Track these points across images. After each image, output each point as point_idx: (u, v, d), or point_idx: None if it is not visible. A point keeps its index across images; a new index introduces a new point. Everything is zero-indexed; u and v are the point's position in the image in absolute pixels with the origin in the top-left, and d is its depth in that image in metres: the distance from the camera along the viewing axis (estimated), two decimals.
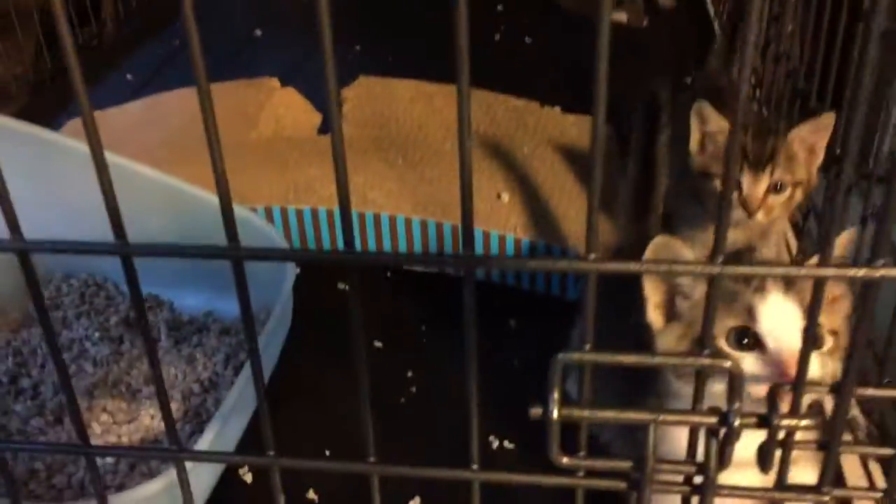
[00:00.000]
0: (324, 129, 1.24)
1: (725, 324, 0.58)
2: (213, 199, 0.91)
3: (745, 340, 0.58)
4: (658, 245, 0.57)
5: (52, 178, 0.90)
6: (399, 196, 1.04)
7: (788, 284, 0.58)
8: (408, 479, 0.79)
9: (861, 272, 0.41)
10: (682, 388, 0.62)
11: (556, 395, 0.45)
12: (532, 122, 1.24)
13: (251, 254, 0.47)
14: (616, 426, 0.74)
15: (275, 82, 1.32)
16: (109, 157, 0.97)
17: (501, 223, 1.02)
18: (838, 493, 0.47)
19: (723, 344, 0.59)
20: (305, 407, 0.89)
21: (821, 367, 0.59)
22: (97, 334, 0.90)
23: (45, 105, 1.46)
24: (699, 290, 0.60)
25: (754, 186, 0.82)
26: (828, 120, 0.81)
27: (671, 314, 0.62)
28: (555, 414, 0.45)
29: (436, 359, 0.94)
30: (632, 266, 0.43)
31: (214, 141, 0.43)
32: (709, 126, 0.84)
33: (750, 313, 0.58)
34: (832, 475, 0.47)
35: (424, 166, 1.08)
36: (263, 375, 0.76)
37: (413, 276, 1.05)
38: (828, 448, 0.45)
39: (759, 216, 0.83)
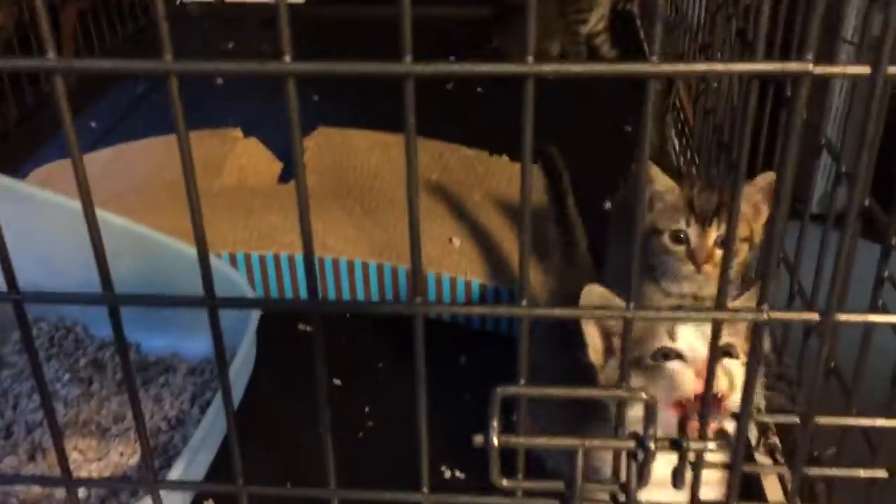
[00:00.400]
0: (285, 177, 1.30)
1: (652, 345, 0.66)
2: (182, 246, 0.97)
3: (668, 356, 0.66)
4: (587, 293, 0.64)
5: (23, 228, 0.95)
6: (357, 242, 1.10)
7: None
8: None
9: (749, 316, 0.48)
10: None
11: (495, 424, 0.51)
12: (482, 171, 1.32)
13: (227, 303, 0.53)
14: (561, 454, 0.81)
15: (238, 132, 1.38)
16: (77, 205, 1.05)
17: (453, 267, 1.09)
18: None
19: (649, 361, 0.67)
20: (268, 442, 0.93)
21: (738, 376, 0.68)
22: (67, 376, 0.94)
23: (10, 152, 1.50)
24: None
25: (702, 240, 0.84)
26: (768, 179, 0.84)
27: (610, 352, 0.69)
28: (494, 441, 0.51)
29: (392, 394, 1.00)
30: (557, 311, 0.49)
31: (194, 192, 0.49)
32: (656, 185, 0.86)
33: (670, 335, 0.66)
34: (737, 491, 0.54)
35: (380, 213, 1.15)
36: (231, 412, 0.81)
37: (370, 316, 1.11)
38: (731, 468, 0.52)
39: (708, 269, 0.84)
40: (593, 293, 0.65)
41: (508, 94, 0.46)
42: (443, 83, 1.71)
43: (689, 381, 0.65)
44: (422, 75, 0.41)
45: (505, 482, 0.54)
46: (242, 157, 1.29)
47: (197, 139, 1.32)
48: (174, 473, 0.73)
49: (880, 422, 0.53)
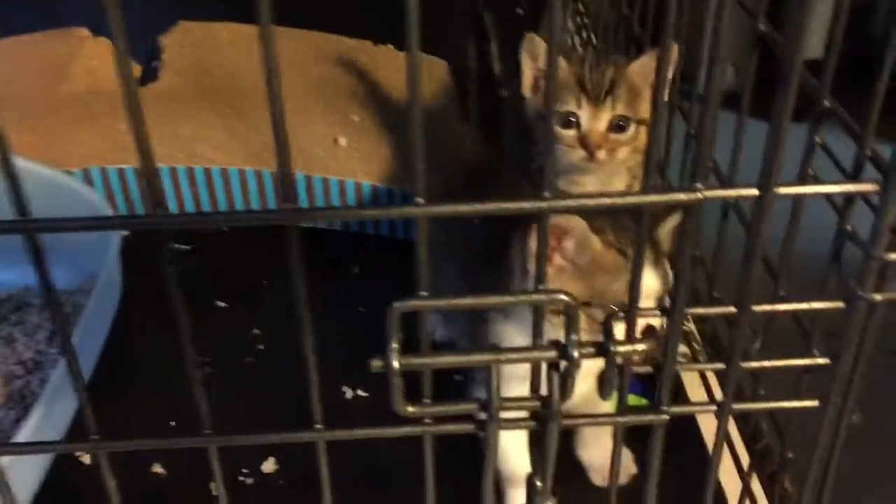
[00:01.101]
0: (144, 81, 1.15)
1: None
2: (32, 167, 0.84)
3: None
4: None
5: None
6: (229, 148, 0.98)
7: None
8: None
9: (682, 196, 0.41)
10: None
11: (394, 345, 0.44)
12: (366, 62, 1.21)
13: (47, 226, 0.42)
14: (461, 324, 0.74)
15: (84, 31, 1.21)
16: None
17: (340, 169, 0.99)
18: (676, 410, 0.48)
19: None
20: (143, 379, 0.84)
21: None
22: None
23: None
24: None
25: (594, 121, 0.73)
26: (673, 54, 0.72)
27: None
28: (395, 364, 0.43)
29: (281, 313, 0.91)
30: (461, 208, 0.41)
31: None
32: (542, 62, 0.75)
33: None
34: (669, 394, 0.48)
35: (253, 114, 1.03)
36: (95, 350, 0.71)
37: (250, 230, 1.00)
38: (662, 368, 0.46)
39: (601, 156, 0.74)
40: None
41: None
42: None
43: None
44: None
45: (410, 409, 0.47)
46: (92, 59, 1.14)
47: (38, 41, 1.16)
48: (28, 428, 0.63)
49: (817, 305, 0.48)
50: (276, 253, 0.45)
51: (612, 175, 0.79)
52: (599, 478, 0.73)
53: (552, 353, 0.44)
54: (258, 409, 0.79)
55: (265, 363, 0.87)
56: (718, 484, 0.68)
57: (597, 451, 0.73)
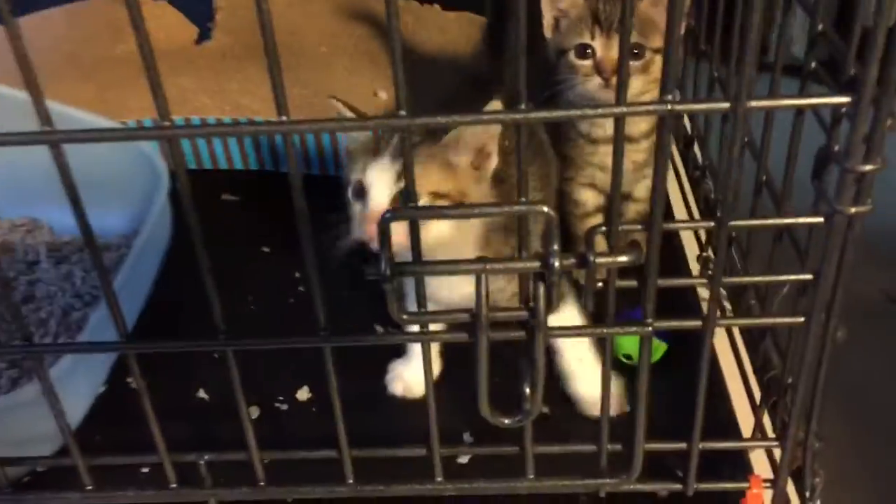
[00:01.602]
0: (199, 41, 1.21)
1: None
2: (84, 116, 0.89)
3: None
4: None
5: None
6: (273, 100, 1.03)
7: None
8: (297, 370, 0.81)
9: (652, 108, 0.43)
10: None
11: (388, 254, 0.47)
12: (412, 21, 1.24)
13: (67, 138, 0.47)
14: None
15: None
16: None
17: None
18: (659, 325, 0.51)
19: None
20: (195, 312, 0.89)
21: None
22: None
23: None
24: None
25: (607, 50, 0.76)
26: None
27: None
28: (388, 272, 0.47)
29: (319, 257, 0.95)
30: (441, 119, 0.44)
31: None
32: (561, 3, 0.80)
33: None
34: (653, 307, 0.50)
35: (300, 70, 1.07)
36: (145, 285, 0.75)
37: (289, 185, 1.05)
38: (645, 281, 0.49)
39: (615, 81, 0.73)
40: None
41: None
42: None
43: None
44: None
45: (405, 316, 0.50)
46: (150, 21, 1.19)
47: (99, 5, 1.22)
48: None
49: (791, 220, 0.49)
50: (316, 202, 0.50)
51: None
52: (590, 408, 0.73)
53: (536, 265, 0.47)
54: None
55: (304, 303, 0.91)
56: (732, 414, 0.69)
57: (584, 382, 0.73)
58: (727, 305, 0.75)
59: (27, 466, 0.69)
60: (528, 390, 0.51)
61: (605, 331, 0.51)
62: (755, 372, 0.70)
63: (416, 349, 0.75)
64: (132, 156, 0.91)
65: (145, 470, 0.74)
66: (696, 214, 0.89)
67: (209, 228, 0.52)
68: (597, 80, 0.76)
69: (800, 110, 0.53)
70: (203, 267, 0.51)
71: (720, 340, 0.75)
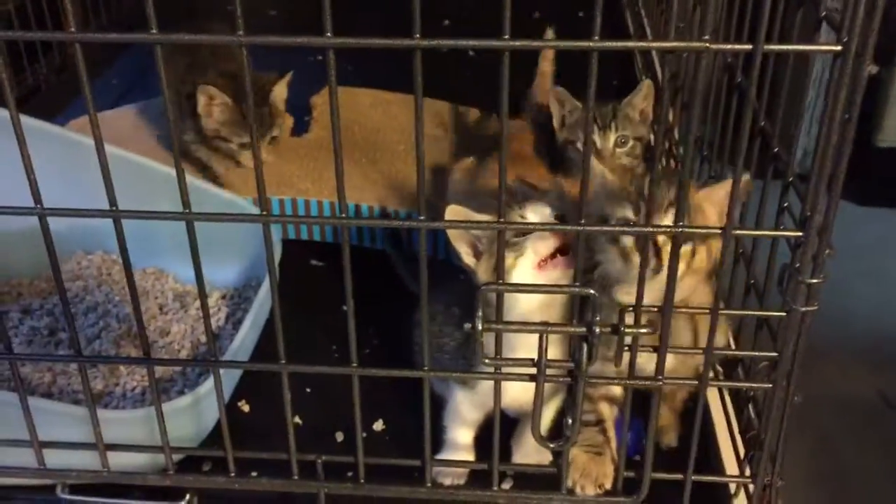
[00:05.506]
0: (297, 130, 1.45)
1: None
2: (216, 190, 1.12)
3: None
4: (450, 211, 0.76)
5: (71, 170, 1.09)
6: (362, 189, 1.26)
7: None
8: (373, 404, 1.00)
9: (665, 229, 0.64)
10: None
11: (480, 314, 0.68)
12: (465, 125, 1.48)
13: (204, 216, 0.68)
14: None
15: None
16: (121, 152, 1.22)
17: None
18: (669, 381, 0.71)
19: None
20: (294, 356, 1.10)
21: None
22: (117, 297, 1.10)
23: (46, 104, 1.64)
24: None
25: (604, 142, 1.18)
26: (649, 89, 1.18)
27: (478, 254, 0.81)
28: (479, 327, 0.68)
29: (391, 320, 1.16)
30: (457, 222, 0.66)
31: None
32: (566, 107, 1.19)
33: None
34: (663, 368, 0.70)
35: (383, 164, 1.31)
36: (258, 327, 0.97)
37: (363, 252, 1.26)
38: (658, 350, 0.69)
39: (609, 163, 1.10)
40: (456, 212, 0.76)
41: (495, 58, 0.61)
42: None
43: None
44: (427, 47, 0.57)
45: (488, 360, 0.71)
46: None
47: None
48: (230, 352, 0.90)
49: (770, 313, 0.70)
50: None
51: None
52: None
53: (582, 330, 0.68)
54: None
55: (380, 355, 1.12)
56: (720, 459, 0.88)
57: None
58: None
59: (181, 454, 0.88)
60: (569, 421, 0.71)
61: (627, 382, 0.71)
62: (740, 432, 0.89)
63: (452, 441, 0.92)
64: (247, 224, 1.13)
65: (254, 474, 0.94)
66: None
67: (301, 289, 0.70)
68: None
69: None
70: (276, 307, 0.71)
71: (714, 400, 0.95)
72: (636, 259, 0.72)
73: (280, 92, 1.28)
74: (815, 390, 0.86)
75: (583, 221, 0.64)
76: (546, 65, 1.45)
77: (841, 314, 2.00)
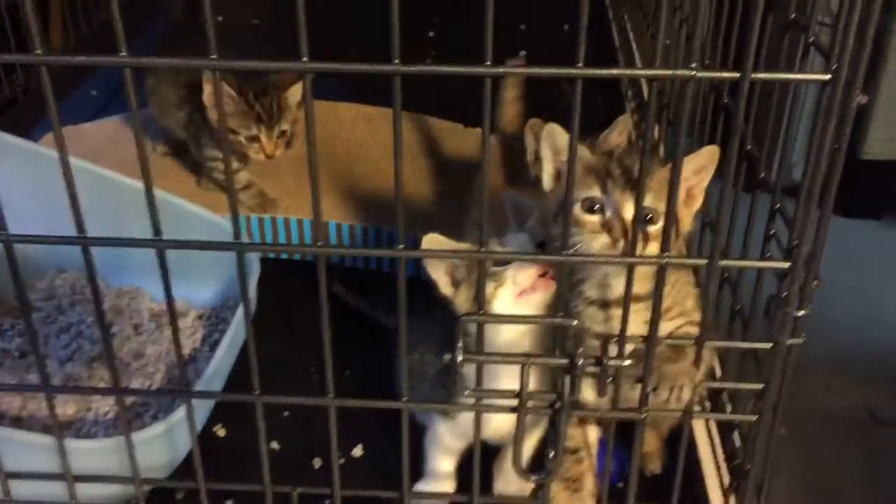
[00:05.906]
0: None
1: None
2: (194, 208, 1.10)
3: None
4: (428, 240, 0.75)
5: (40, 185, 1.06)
6: (343, 206, 1.24)
7: None
8: (352, 429, 0.98)
9: (654, 260, 0.63)
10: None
11: (460, 345, 0.66)
12: (457, 141, 1.46)
13: (176, 244, 0.66)
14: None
15: None
16: (95, 168, 1.18)
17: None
18: (653, 411, 0.69)
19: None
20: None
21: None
22: (90, 318, 1.07)
23: (19, 117, 1.61)
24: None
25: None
26: (624, 125, 1.04)
27: (456, 283, 0.79)
28: (459, 358, 0.66)
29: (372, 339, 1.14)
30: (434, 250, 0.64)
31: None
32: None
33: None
34: (647, 399, 0.69)
35: (365, 180, 1.29)
36: (236, 347, 0.95)
37: (356, 272, 1.25)
38: (642, 381, 0.67)
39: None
40: (433, 240, 0.75)
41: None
42: (421, 59, 1.83)
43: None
44: (407, 73, 0.56)
45: (468, 392, 0.69)
46: None
47: None
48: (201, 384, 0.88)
49: (757, 345, 0.68)
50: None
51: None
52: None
53: (564, 361, 0.66)
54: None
55: (362, 376, 1.10)
56: (704, 487, 0.87)
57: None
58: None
59: (152, 486, 0.86)
60: (552, 454, 0.69)
61: (612, 414, 0.70)
62: (725, 460, 0.88)
63: (432, 470, 0.90)
64: (224, 236, 1.11)
65: (229, 502, 0.92)
66: None
67: (279, 306, 0.67)
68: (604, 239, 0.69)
69: None
70: (250, 338, 0.69)
71: (699, 428, 0.93)
72: (603, 239, 0.68)
73: (296, 91, 1.23)
74: (800, 404, 0.86)
75: (565, 252, 0.62)
76: (510, 92, 1.25)
77: (826, 328, 2.00)
